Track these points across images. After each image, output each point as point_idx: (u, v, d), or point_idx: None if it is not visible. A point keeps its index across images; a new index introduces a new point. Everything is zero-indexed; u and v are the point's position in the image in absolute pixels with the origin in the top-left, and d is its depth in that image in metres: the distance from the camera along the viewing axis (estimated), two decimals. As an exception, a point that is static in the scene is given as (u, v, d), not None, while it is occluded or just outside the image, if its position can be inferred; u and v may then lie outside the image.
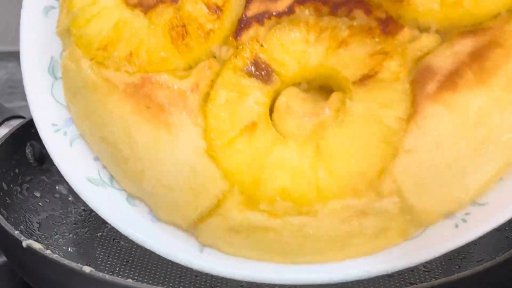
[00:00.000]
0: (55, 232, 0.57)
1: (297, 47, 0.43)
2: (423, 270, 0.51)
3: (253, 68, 0.44)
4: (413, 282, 0.50)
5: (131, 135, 0.44)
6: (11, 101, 0.90)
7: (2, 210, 0.54)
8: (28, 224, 0.56)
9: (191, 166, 0.42)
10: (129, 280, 0.43)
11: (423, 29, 0.41)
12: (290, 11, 0.44)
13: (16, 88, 0.95)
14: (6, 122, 0.65)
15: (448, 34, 0.40)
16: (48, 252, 0.44)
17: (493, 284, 0.42)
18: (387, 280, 0.50)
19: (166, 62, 0.46)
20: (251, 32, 0.45)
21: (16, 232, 0.46)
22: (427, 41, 0.41)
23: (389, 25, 0.41)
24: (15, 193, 0.58)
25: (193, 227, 0.44)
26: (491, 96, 0.38)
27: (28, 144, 0.62)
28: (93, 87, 0.47)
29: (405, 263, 0.40)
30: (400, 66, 0.41)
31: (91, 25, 0.48)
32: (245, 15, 0.45)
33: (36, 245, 0.44)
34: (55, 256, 0.43)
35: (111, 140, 0.46)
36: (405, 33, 0.41)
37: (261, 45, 0.44)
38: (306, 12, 0.44)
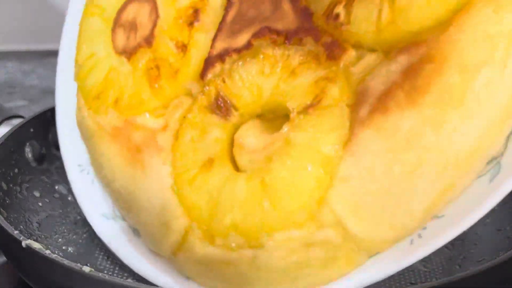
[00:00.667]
0: (55, 232, 0.57)
1: (253, 80, 0.44)
2: (424, 270, 0.51)
3: (215, 105, 0.44)
4: (413, 282, 0.50)
5: (115, 176, 0.47)
6: (11, 101, 0.90)
7: (1, 210, 0.54)
8: (28, 224, 0.56)
9: (161, 204, 0.44)
10: (129, 280, 0.43)
11: (369, 50, 0.40)
12: (248, 45, 0.44)
13: (16, 88, 0.95)
14: (5, 122, 0.65)
15: (390, 52, 0.39)
16: (47, 252, 0.44)
17: (494, 284, 0.42)
18: (387, 280, 0.50)
19: (146, 103, 0.48)
20: (215, 70, 0.45)
21: (16, 232, 0.46)
22: (370, 61, 0.39)
23: (334, 49, 0.41)
24: (15, 193, 0.58)
25: (172, 260, 0.45)
26: (422, 116, 0.37)
27: (27, 143, 0.62)
28: (91, 133, 0.50)
29: (358, 283, 0.40)
30: (342, 91, 0.39)
31: (90, 77, 0.51)
32: (210, 54, 0.46)
33: (36, 245, 0.44)
34: (54, 256, 0.43)
35: (105, 182, 0.48)
36: (349, 55, 0.40)
37: (223, 81, 0.45)
38: (264, 44, 0.44)
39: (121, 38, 0.51)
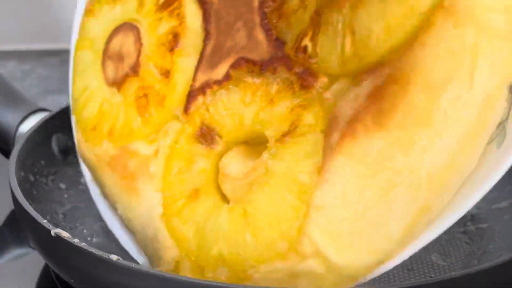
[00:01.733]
0: (80, 223, 0.58)
1: (235, 108, 0.44)
2: (443, 265, 0.52)
3: (199, 133, 0.45)
4: (432, 276, 0.50)
5: (117, 205, 0.49)
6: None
7: (29, 200, 0.55)
8: (54, 215, 0.57)
9: (153, 233, 0.45)
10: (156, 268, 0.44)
11: (338, 76, 0.40)
12: (227, 76, 0.45)
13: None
14: (32, 115, 0.66)
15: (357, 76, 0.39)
16: (76, 240, 0.44)
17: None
18: (407, 274, 0.50)
19: (137, 132, 0.49)
20: (198, 103, 0.46)
21: (45, 221, 0.47)
22: (342, 86, 0.39)
23: (306, 78, 0.41)
24: (42, 184, 0.59)
25: None
26: (390, 138, 0.36)
27: (54, 136, 0.63)
28: (93, 166, 0.52)
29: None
30: (317, 117, 0.39)
31: (85, 110, 0.53)
32: (192, 86, 0.47)
33: (65, 234, 0.45)
34: (82, 245, 0.44)
35: (113, 210, 0.51)
36: (322, 82, 0.40)
37: (207, 110, 0.45)
38: (243, 74, 0.44)
39: (110, 69, 0.52)
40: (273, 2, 0.44)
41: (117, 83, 0.51)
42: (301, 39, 0.42)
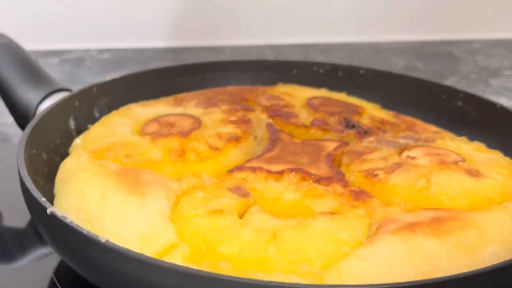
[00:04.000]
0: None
1: (277, 188, 0.52)
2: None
3: (235, 189, 0.51)
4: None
5: (105, 197, 0.50)
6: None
7: (39, 179, 0.55)
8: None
9: (150, 222, 0.47)
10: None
11: (391, 204, 0.50)
12: (281, 172, 0.53)
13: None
14: (54, 94, 0.66)
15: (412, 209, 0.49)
16: (68, 220, 0.44)
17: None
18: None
19: (158, 165, 0.54)
20: (242, 174, 0.53)
21: (43, 199, 0.47)
22: (392, 210, 0.49)
23: (361, 195, 0.50)
24: (55, 163, 0.59)
25: None
26: (442, 246, 0.45)
27: (72, 116, 0.64)
28: (86, 169, 0.54)
29: None
30: (365, 213, 0.48)
31: (103, 139, 0.58)
32: (243, 164, 0.55)
33: (59, 213, 0.45)
34: (75, 224, 0.44)
35: (84, 207, 0.51)
36: (374, 202, 0.50)
37: (246, 181, 0.52)
38: (293, 177, 0.53)
39: (152, 126, 0.59)
40: (353, 154, 0.56)
41: (156, 135, 0.57)
42: (374, 171, 0.53)
